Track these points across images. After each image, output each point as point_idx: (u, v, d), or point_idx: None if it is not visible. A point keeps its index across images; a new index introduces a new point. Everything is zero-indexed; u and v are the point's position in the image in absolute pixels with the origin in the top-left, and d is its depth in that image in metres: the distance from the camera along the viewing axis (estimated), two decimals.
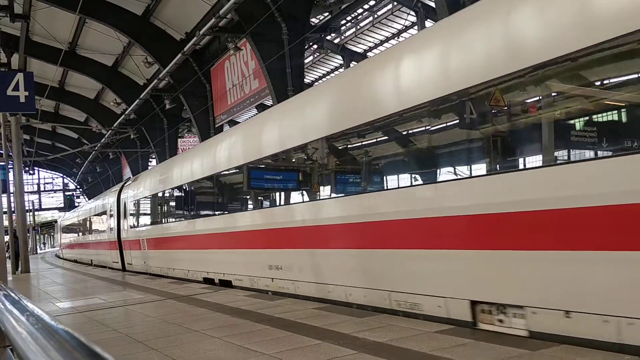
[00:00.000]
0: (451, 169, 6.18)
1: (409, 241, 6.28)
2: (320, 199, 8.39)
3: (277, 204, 9.98)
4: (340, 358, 4.66)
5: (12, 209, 23.50)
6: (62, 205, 70.96)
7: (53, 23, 27.34)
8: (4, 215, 17.44)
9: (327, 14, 24.67)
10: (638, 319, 4.09)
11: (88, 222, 27.97)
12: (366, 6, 25.22)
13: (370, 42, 28.24)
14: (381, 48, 27.10)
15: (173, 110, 32.04)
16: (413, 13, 24.08)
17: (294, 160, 9.59)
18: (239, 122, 26.62)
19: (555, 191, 4.68)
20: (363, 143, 7.85)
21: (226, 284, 11.40)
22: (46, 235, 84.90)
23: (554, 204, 4.63)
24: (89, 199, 42.76)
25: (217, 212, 12.29)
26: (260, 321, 6.65)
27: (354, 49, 28.68)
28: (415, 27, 24.21)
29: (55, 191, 74.60)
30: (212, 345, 5.59)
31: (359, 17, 26.40)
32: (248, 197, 11.10)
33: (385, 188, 7.14)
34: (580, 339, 4.45)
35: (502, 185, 5.16)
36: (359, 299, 7.19)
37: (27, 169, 50.39)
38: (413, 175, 6.72)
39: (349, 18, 26.14)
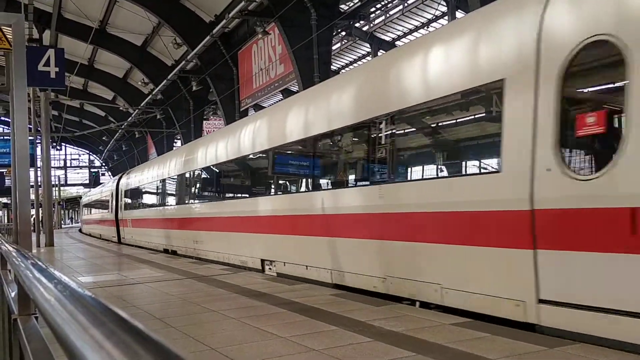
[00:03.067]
0: None
1: None
2: None
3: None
4: (355, 345, 4.68)
5: (39, 183, 23.94)
6: (87, 181, 72.01)
7: (85, 1, 27.61)
8: (31, 189, 17.76)
9: (356, 0, 24.54)
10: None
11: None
12: None
13: (399, 30, 28.03)
14: (410, 37, 26.87)
15: (199, 92, 32.23)
16: (444, 3, 23.82)
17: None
18: (264, 107, 26.68)
19: None
20: None
21: None
22: (71, 211, 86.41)
23: None
24: (113, 176, 43.30)
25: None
26: (278, 304, 6.71)
27: (383, 37, 28.49)
28: (446, 18, 23.95)
29: (81, 167, 75.70)
30: (230, 326, 5.66)
31: (389, 5, 26.19)
32: None
33: None
34: None
35: None
36: None
37: (54, 144, 51.18)
38: None
39: (378, 5, 25.95)
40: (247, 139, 11.85)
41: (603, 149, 4.57)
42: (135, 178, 22.49)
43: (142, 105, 36.29)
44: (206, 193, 15.15)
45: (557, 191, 4.73)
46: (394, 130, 7.21)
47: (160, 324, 5.87)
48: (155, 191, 19.42)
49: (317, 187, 9.29)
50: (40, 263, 1.77)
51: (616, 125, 4.43)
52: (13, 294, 2.85)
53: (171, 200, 17.72)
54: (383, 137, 7.34)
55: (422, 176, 7.02)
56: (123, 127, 41.10)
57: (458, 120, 6.77)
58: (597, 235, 4.41)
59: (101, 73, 40.28)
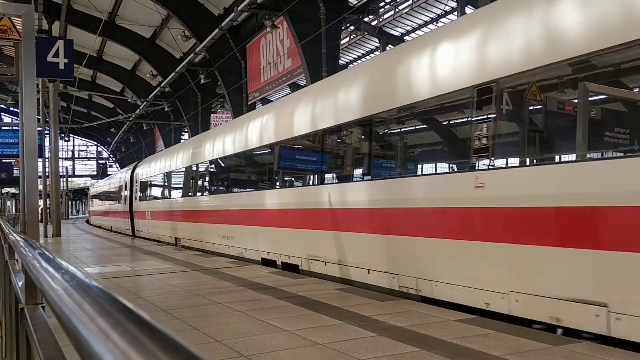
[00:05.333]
0: None
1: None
2: None
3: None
4: (360, 339, 4.69)
5: (47, 174, 24.06)
6: (94, 173, 72.32)
7: None
8: (39, 180, 17.87)
9: None
10: None
11: None
12: None
13: (408, 25, 27.92)
14: (419, 32, 26.76)
15: (207, 85, 32.22)
16: None
17: None
18: (271, 101, 26.65)
19: None
20: None
21: None
22: (78, 202, 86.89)
23: None
24: (122, 168, 43.77)
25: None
26: (283, 298, 6.73)
27: (392, 32, 28.38)
28: (455, 13, 23.83)
29: (88, 159, 76.00)
30: (235, 319, 5.69)
31: (398, 0, 26.08)
32: None
33: None
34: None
35: None
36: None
37: (62, 135, 51.33)
38: None
39: (387, 0, 25.84)
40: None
41: None
42: (100, 187, 36.66)
43: (150, 97, 36.34)
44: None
45: None
46: None
47: (166, 316, 5.90)
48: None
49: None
50: (47, 253, 1.79)
51: None
52: (20, 284, 2.87)
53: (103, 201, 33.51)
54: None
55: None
56: (131, 119, 41.19)
57: None
58: None
59: (110, 65, 40.33)
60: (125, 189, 24.09)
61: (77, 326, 0.76)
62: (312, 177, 9.95)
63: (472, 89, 5.74)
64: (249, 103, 27.82)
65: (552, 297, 4.89)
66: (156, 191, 20.10)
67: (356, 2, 24.12)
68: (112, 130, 57.27)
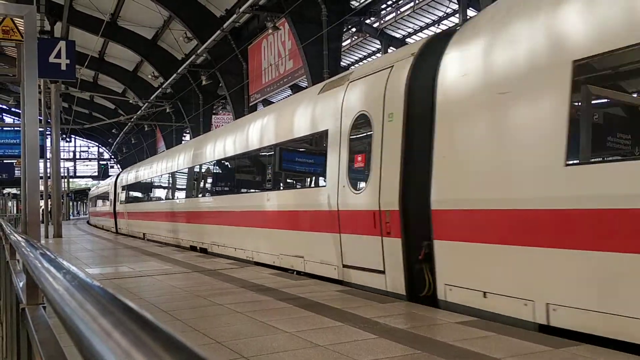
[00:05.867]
0: None
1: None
2: None
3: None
4: (360, 341, 4.69)
5: (48, 175, 24.09)
6: (96, 174, 72.37)
7: None
8: (40, 180, 17.86)
9: None
10: None
11: None
12: None
13: (410, 28, 27.91)
14: (421, 34, 26.76)
15: (209, 87, 32.23)
16: (455, 0, 23.71)
17: None
18: (272, 102, 26.69)
19: None
20: None
21: None
22: (79, 203, 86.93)
23: None
24: (122, 169, 43.91)
25: None
26: (283, 299, 6.73)
27: (393, 34, 28.38)
28: (457, 15, 23.83)
29: (90, 160, 76.04)
30: (235, 320, 5.68)
31: (399, 2, 26.06)
32: None
33: None
34: None
35: None
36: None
37: (64, 136, 51.39)
38: None
39: (389, 2, 25.83)
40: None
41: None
42: (97, 190, 42.10)
43: (151, 98, 36.38)
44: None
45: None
46: None
47: (167, 317, 5.90)
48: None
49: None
50: (49, 253, 1.79)
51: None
52: (21, 284, 2.88)
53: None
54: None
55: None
56: (132, 120, 41.22)
57: None
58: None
59: (111, 66, 40.37)
60: (111, 193, 29.58)
61: (79, 326, 0.76)
62: (205, 191, 14.94)
63: (274, 145, 10.32)
64: (250, 104, 27.84)
65: (290, 255, 9.43)
66: (131, 196, 25.07)
67: (358, 4, 24.12)
68: (113, 131, 57.32)
